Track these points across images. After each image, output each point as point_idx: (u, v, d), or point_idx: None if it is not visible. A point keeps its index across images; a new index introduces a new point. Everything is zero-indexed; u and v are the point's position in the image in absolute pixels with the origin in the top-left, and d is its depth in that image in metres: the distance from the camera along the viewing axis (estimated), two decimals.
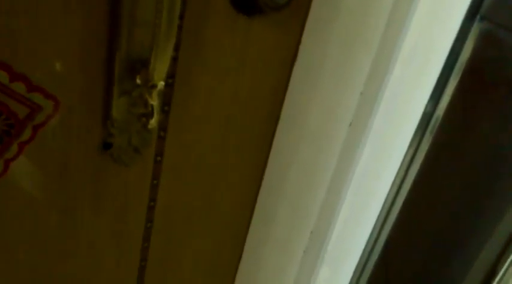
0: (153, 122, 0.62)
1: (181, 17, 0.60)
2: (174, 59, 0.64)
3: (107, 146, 0.65)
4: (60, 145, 0.62)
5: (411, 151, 0.77)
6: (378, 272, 0.86)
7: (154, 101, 0.61)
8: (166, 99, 0.67)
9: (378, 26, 0.70)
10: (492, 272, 0.82)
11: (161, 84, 0.61)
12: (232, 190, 0.82)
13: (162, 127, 0.68)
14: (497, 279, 0.80)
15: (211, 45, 0.66)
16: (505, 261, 0.80)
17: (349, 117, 0.75)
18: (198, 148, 0.74)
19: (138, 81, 0.61)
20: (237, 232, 0.88)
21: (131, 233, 0.76)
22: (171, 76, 0.65)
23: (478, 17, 0.69)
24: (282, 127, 0.78)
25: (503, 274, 0.81)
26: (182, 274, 0.87)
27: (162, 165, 0.71)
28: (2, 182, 0.60)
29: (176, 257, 0.84)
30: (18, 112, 0.57)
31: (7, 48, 0.53)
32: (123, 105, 0.63)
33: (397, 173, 0.78)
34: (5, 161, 0.59)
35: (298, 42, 0.74)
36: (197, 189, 0.78)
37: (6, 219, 0.63)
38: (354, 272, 0.86)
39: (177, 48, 0.63)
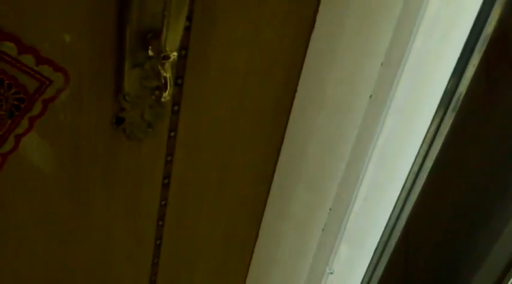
0: (167, 95, 0.60)
1: None
2: (187, 29, 0.62)
3: (119, 121, 0.64)
4: (71, 120, 0.61)
5: (434, 126, 0.75)
6: (400, 251, 0.85)
7: (168, 73, 0.60)
8: (180, 72, 0.66)
9: None
10: None
11: (174, 55, 0.59)
12: (248, 166, 0.81)
13: (176, 101, 0.67)
14: None
15: (225, 15, 0.64)
16: None
17: (370, 89, 0.74)
18: (212, 122, 0.73)
19: (150, 52, 0.60)
20: (253, 209, 0.87)
21: (145, 212, 0.75)
22: (184, 48, 0.64)
23: None
24: (299, 100, 0.77)
25: None
26: (198, 252, 0.87)
27: (176, 141, 0.70)
28: (13, 158, 0.59)
29: (191, 235, 0.84)
30: (28, 85, 0.57)
31: (15, 19, 0.52)
32: (135, 78, 0.62)
33: (420, 148, 0.77)
34: (16, 136, 0.59)
35: (316, 11, 0.72)
36: (212, 165, 0.77)
37: (18, 196, 0.63)
38: (375, 251, 0.85)
39: (190, 17, 0.62)
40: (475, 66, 0.70)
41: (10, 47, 0.54)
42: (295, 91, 0.77)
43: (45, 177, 0.63)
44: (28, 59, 0.55)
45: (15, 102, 0.57)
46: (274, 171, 0.84)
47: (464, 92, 0.71)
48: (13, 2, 0.51)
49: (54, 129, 0.60)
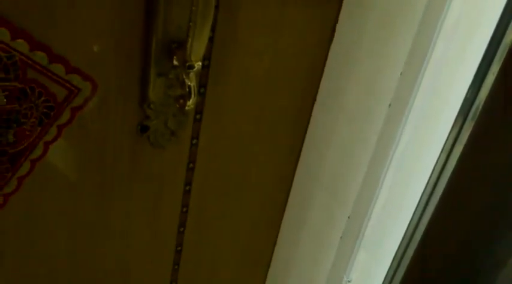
0: (191, 103, 0.63)
1: None
2: (210, 40, 0.65)
3: (143, 129, 0.66)
4: (97, 128, 0.64)
5: (453, 135, 0.77)
6: (418, 259, 0.86)
7: (192, 82, 0.62)
8: (202, 81, 0.68)
9: (419, 3, 0.70)
10: None
11: (198, 64, 0.62)
12: (267, 173, 0.83)
13: (198, 109, 0.70)
14: None
15: (247, 25, 0.67)
16: None
17: (389, 98, 0.75)
18: (233, 130, 0.75)
19: (175, 62, 0.63)
20: (272, 215, 0.89)
21: (167, 218, 0.78)
22: (207, 58, 0.66)
23: None
24: (319, 109, 0.79)
25: None
26: (217, 258, 0.89)
27: (198, 148, 0.73)
28: (42, 164, 0.62)
29: (211, 242, 0.86)
30: (57, 94, 0.59)
31: (46, 29, 0.55)
32: (160, 87, 0.64)
33: (439, 157, 0.78)
34: (45, 143, 0.61)
35: (336, 20, 0.74)
36: (232, 172, 0.79)
37: (45, 201, 0.65)
38: (393, 259, 0.86)
39: (213, 28, 0.64)
40: (495, 75, 0.71)
41: (41, 57, 0.57)
42: (314, 99, 0.79)
43: (70, 182, 0.66)
44: (58, 68, 0.58)
45: (45, 110, 0.60)
46: (293, 177, 0.86)
47: (483, 101, 0.73)
48: (45, 12, 0.54)
49: (81, 136, 0.63)
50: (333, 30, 0.75)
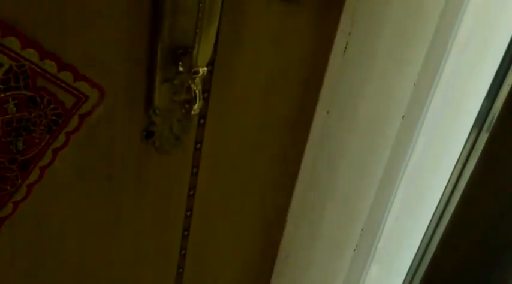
0: (196, 108, 0.66)
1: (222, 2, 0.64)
2: (214, 45, 0.68)
3: (149, 134, 0.71)
4: (104, 135, 0.68)
5: (468, 147, 0.78)
6: (433, 273, 0.87)
7: (198, 87, 0.65)
8: (206, 86, 0.71)
9: (433, 14, 0.71)
10: None
11: (204, 69, 0.65)
12: (270, 178, 0.87)
13: (202, 114, 0.74)
14: None
15: (249, 30, 0.70)
16: None
17: (402, 110, 0.76)
18: (236, 134, 0.79)
19: (181, 68, 0.66)
20: (275, 220, 0.93)
21: (172, 222, 0.82)
22: (210, 63, 0.69)
23: None
24: (331, 120, 0.81)
25: None
26: (221, 262, 0.93)
27: (202, 153, 0.76)
28: (50, 171, 0.66)
29: (215, 246, 0.90)
30: (66, 101, 0.64)
31: (55, 38, 0.59)
32: (165, 92, 0.68)
33: (453, 169, 0.79)
34: (53, 150, 0.66)
35: (336, 25, 0.76)
36: (236, 176, 0.83)
37: (54, 207, 0.70)
38: (407, 272, 0.87)
39: (216, 34, 0.67)
40: (510, 86, 0.72)
41: (51, 65, 0.61)
42: (315, 104, 0.82)
43: (79, 187, 0.70)
44: (67, 76, 0.62)
45: (54, 118, 0.64)
46: (295, 182, 0.88)
47: (498, 112, 0.73)
48: (54, 21, 0.58)
49: (89, 142, 0.67)
50: (333, 39, 0.77)
